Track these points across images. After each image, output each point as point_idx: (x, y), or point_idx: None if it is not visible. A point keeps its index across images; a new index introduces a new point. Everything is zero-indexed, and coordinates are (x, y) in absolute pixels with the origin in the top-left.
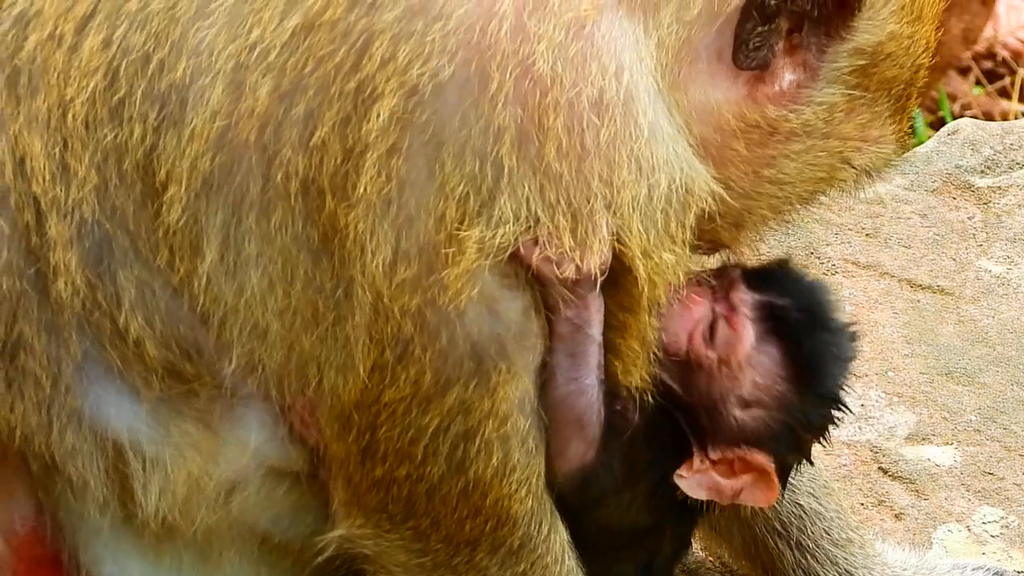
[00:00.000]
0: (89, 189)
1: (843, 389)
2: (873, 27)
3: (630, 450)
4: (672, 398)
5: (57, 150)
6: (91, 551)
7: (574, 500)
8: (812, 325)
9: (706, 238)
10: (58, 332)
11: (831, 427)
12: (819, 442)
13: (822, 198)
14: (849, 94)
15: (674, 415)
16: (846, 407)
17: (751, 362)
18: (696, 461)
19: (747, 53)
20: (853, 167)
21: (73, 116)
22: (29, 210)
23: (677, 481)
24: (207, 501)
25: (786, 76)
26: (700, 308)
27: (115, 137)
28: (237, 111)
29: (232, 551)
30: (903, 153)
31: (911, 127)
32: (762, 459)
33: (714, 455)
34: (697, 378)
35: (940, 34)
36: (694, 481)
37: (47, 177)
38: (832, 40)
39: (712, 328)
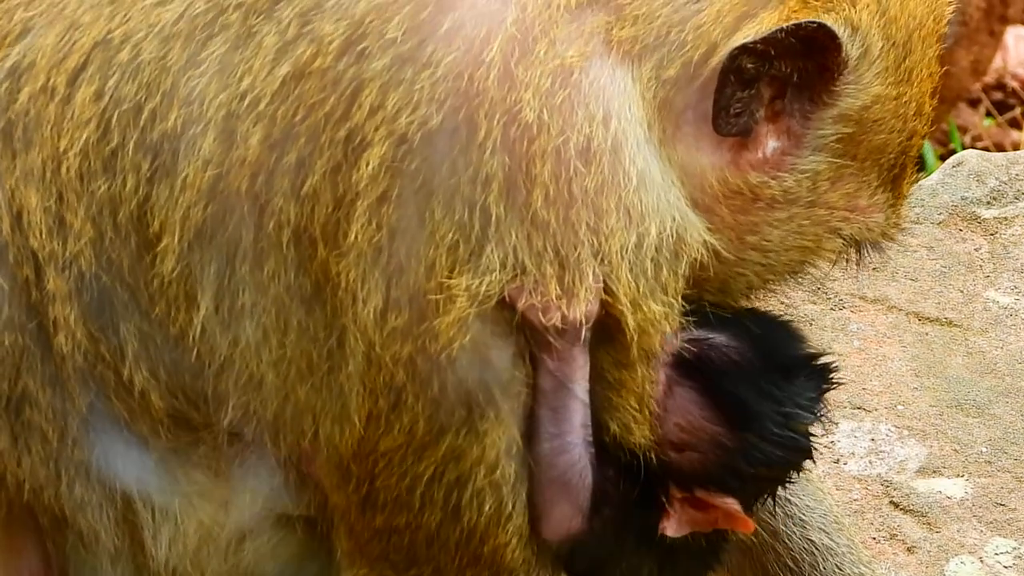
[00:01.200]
0: (85, 242)
1: (800, 425)
2: (857, 91)
3: (619, 516)
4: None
5: (53, 203)
6: None
7: (570, 569)
8: (741, 363)
9: (692, 299)
10: (63, 385)
11: (797, 462)
12: (788, 475)
13: (814, 268)
14: (835, 162)
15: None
16: (805, 442)
17: (666, 407)
18: (668, 509)
19: (727, 119)
20: (841, 237)
21: (67, 168)
22: (28, 265)
23: (664, 533)
24: (218, 550)
25: (769, 143)
26: None
27: (109, 188)
28: (228, 160)
29: None
30: (900, 227)
31: (920, 161)
32: (717, 499)
33: (677, 495)
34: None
35: (948, 67)
36: (675, 524)
37: (44, 231)
38: (816, 106)
39: None
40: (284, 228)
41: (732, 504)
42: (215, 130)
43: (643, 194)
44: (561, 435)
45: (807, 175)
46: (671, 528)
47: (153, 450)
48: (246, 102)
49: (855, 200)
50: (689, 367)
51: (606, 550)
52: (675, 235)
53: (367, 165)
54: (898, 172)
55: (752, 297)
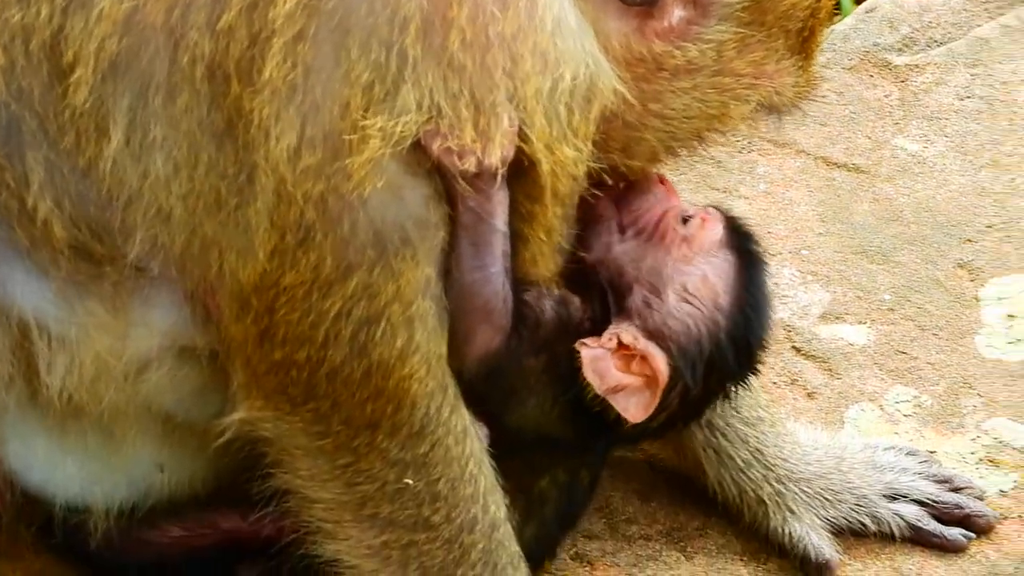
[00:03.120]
0: None
1: (758, 362)
2: None
3: (544, 346)
4: (613, 278)
5: None
6: None
7: (488, 393)
8: (763, 271)
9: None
10: None
11: (722, 390)
12: (709, 398)
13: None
14: (741, 31)
15: (593, 308)
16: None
17: (710, 256)
18: (606, 338)
19: None
20: (749, 103)
21: None
22: None
23: (579, 347)
24: (115, 381)
25: (675, 12)
26: (677, 200)
27: (22, 18)
28: None
29: (137, 431)
30: (810, 89)
31: (837, 6)
32: (662, 366)
33: (626, 338)
34: (654, 252)
35: None
36: (591, 354)
37: None
38: None
39: (686, 215)
40: (198, 63)
41: (664, 376)
42: None
43: (558, 40)
44: (484, 267)
45: (712, 44)
46: (585, 359)
47: (52, 280)
48: None
49: (762, 67)
50: (738, 247)
51: (520, 378)
52: (588, 81)
53: (284, 3)
54: (807, 36)
55: (657, 162)
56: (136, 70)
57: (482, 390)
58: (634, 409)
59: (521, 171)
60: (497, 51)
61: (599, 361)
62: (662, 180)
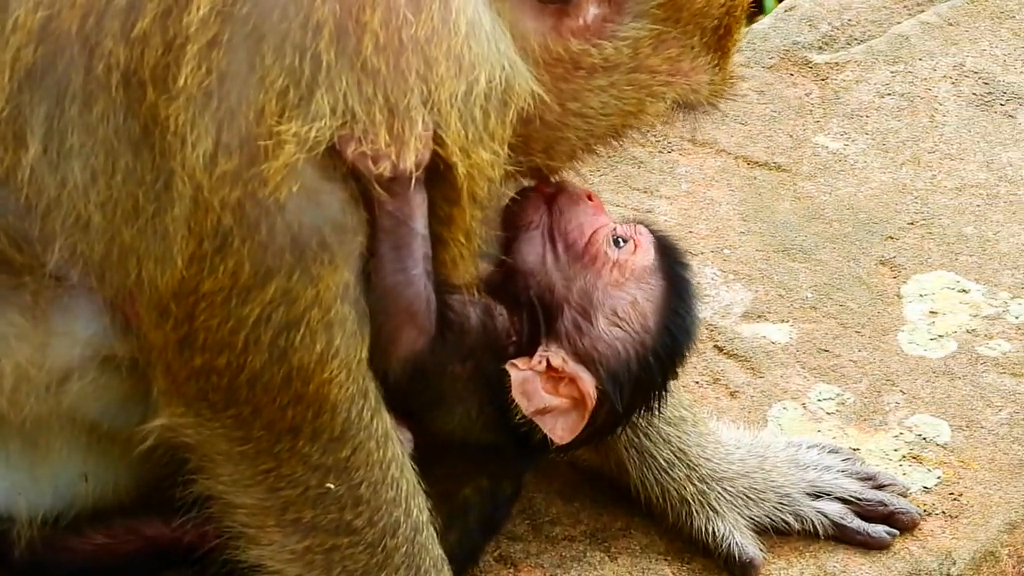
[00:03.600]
0: None
1: (673, 377)
2: None
3: (470, 354)
4: (543, 294)
5: None
6: None
7: (414, 398)
8: (691, 292)
9: (522, 160)
10: None
11: (643, 407)
12: (633, 413)
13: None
14: (656, 28)
15: (522, 322)
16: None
17: (641, 281)
18: (535, 360)
19: None
20: (665, 101)
21: None
22: None
23: (508, 368)
24: (36, 391)
25: (590, 10)
26: (606, 218)
27: None
28: (59, 1)
29: (60, 441)
30: (727, 87)
31: (759, 3)
32: (590, 389)
33: (555, 361)
34: (585, 274)
35: None
36: (520, 376)
37: None
38: None
39: (616, 235)
40: (114, 70)
41: (591, 399)
42: None
43: (472, 43)
44: (405, 269)
45: (628, 42)
46: (514, 380)
47: None
48: None
49: (678, 64)
50: (667, 268)
51: (445, 383)
52: (504, 83)
53: (198, 9)
54: (723, 33)
55: (577, 161)
56: (52, 79)
57: (408, 395)
58: (561, 431)
59: (438, 174)
60: (411, 55)
61: (527, 383)
62: (590, 196)
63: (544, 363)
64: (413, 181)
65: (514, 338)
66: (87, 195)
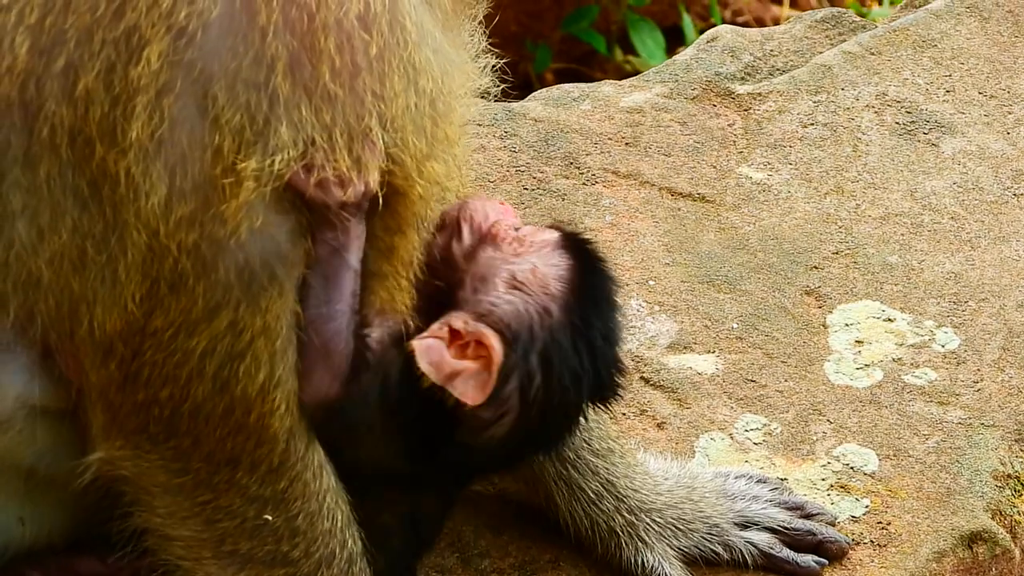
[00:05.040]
0: None
1: (613, 372)
2: None
3: (385, 385)
4: (445, 276)
5: None
6: None
7: (323, 433)
8: (605, 277)
9: None
10: None
11: (571, 403)
12: (556, 411)
13: None
14: None
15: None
16: (614, 388)
17: (542, 252)
18: (436, 327)
19: None
20: None
21: None
22: None
23: (412, 344)
24: None
25: None
26: (515, 218)
27: None
28: None
29: None
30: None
31: (681, 34)
32: (495, 342)
33: (457, 324)
34: (486, 249)
35: None
36: (424, 345)
37: None
38: None
39: (513, 219)
40: (58, 130)
41: (498, 356)
42: None
43: (422, 49)
44: (331, 302)
45: None
46: (419, 350)
47: None
48: (12, 14)
49: None
50: (567, 248)
51: (359, 419)
52: (444, 85)
53: (146, 62)
54: None
55: None
56: None
57: (318, 430)
58: (472, 391)
59: (385, 202)
60: (365, 74)
61: (431, 351)
62: (500, 203)
63: (446, 328)
64: (366, 207)
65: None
66: (37, 253)
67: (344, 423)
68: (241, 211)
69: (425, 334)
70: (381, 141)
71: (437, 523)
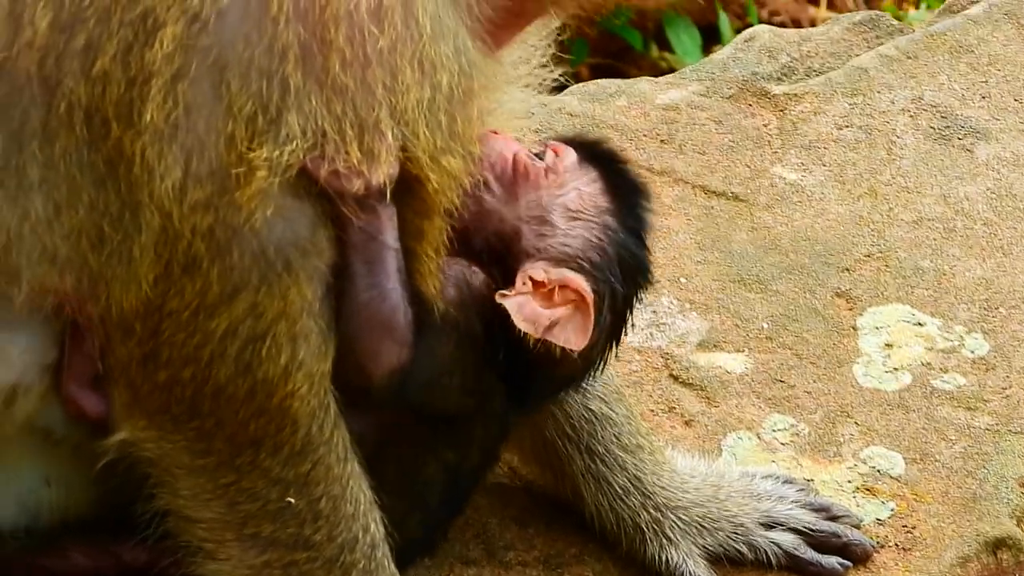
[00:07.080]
0: None
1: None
2: None
3: (455, 326)
4: (497, 230)
5: None
6: None
7: (404, 400)
8: (624, 172)
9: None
10: None
11: (635, 284)
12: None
13: None
14: None
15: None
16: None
17: (575, 173)
18: (519, 282)
19: None
20: None
21: None
22: None
23: (500, 301)
24: None
25: None
26: (517, 142)
27: None
28: (17, 43)
29: (18, 448)
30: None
31: (717, 32)
32: (584, 285)
33: (537, 275)
34: (525, 191)
35: None
36: (515, 303)
37: None
38: None
39: (535, 152)
40: (75, 108)
41: (589, 293)
42: (2, 13)
43: (437, 44)
44: (379, 284)
45: None
46: (511, 308)
47: None
48: None
49: None
50: (594, 158)
51: (429, 370)
52: (462, 81)
53: (161, 44)
54: None
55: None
56: (11, 117)
57: (397, 401)
58: (576, 337)
59: (408, 188)
60: (376, 67)
61: (524, 307)
62: (495, 131)
63: (528, 282)
64: (387, 195)
65: (494, 287)
66: (52, 228)
67: (415, 381)
68: (255, 199)
69: (509, 291)
70: (392, 134)
71: (477, 479)
